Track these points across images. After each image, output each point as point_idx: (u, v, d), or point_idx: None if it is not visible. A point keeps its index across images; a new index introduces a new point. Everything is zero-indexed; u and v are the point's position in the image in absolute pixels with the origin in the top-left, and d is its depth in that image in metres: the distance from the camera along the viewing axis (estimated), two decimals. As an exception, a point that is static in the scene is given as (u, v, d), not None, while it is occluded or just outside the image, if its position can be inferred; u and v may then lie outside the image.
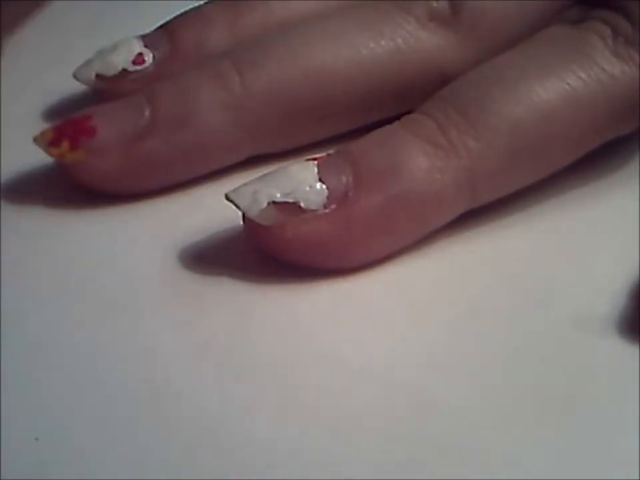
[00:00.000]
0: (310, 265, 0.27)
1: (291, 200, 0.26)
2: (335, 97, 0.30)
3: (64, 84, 0.33)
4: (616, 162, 0.30)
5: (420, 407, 0.24)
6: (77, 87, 0.32)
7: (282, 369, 0.25)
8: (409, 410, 0.24)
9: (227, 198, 0.27)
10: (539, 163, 0.28)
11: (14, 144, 0.31)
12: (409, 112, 0.28)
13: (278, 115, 0.30)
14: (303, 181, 0.26)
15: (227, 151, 0.30)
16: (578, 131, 0.28)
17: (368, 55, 0.30)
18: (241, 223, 0.27)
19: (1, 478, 0.23)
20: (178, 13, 0.33)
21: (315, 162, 0.27)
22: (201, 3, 0.33)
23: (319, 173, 0.26)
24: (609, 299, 0.26)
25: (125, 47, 0.32)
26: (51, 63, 0.35)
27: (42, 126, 0.30)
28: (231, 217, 0.27)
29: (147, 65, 0.31)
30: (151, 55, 0.32)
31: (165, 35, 0.32)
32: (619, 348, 0.25)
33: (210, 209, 0.29)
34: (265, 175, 0.27)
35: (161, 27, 0.32)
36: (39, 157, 0.29)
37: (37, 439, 0.24)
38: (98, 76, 0.31)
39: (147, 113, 0.29)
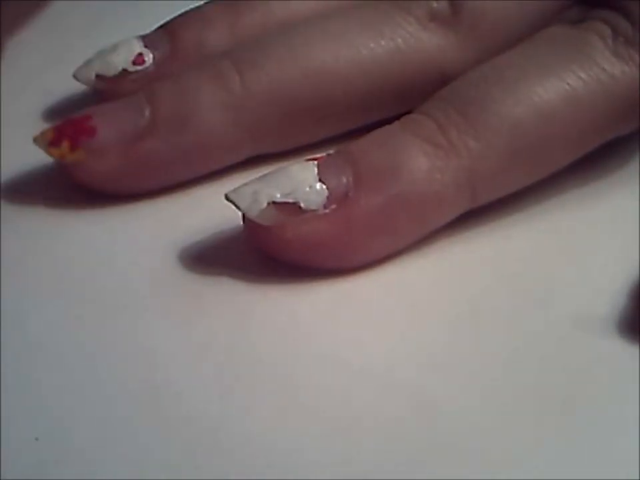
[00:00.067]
0: (310, 265, 0.27)
1: (291, 200, 0.26)
2: (334, 97, 0.30)
3: (64, 84, 0.33)
4: (616, 162, 0.30)
5: (420, 407, 0.24)
6: (77, 87, 0.32)
7: (282, 369, 0.25)
8: (408, 410, 0.24)
9: (227, 198, 0.27)
10: (539, 163, 0.28)
11: (14, 144, 0.31)
12: (408, 112, 0.28)
13: (278, 114, 0.30)
14: (302, 181, 0.26)
15: (227, 151, 0.30)
16: (578, 130, 0.28)
17: (368, 55, 0.30)
18: (241, 223, 0.27)
19: (1, 478, 0.23)
20: (178, 13, 0.33)
21: (315, 162, 0.27)
22: (201, 2, 0.33)
23: (319, 173, 0.26)
24: (609, 299, 0.26)
25: (125, 47, 0.32)
26: (51, 63, 0.35)
27: (42, 126, 0.30)
28: (231, 217, 0.27)
29: (147, 65, 0.31)
30: (151, 55, 0.32)
31: (165, 35, 0.32)
32: (619, 348, 0.25)
33: (210, 209, 0.29)
34: (265, 175, 0.27)
35: (161, 27, 0.32)
36: (38, 157, 0.29)
37: (37, 439, 0.24)
38: (98, 76, 0.31)
39: (147, 112, 0.29)
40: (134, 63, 0.31)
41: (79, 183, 0.30)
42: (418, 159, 0.27)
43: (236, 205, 0.27)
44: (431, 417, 0.24)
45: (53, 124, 0.30)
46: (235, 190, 0.27)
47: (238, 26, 0.32)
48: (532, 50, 0.28)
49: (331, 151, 0.28)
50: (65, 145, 0.29)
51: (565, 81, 0.27)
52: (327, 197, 0.26)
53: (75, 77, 0.32)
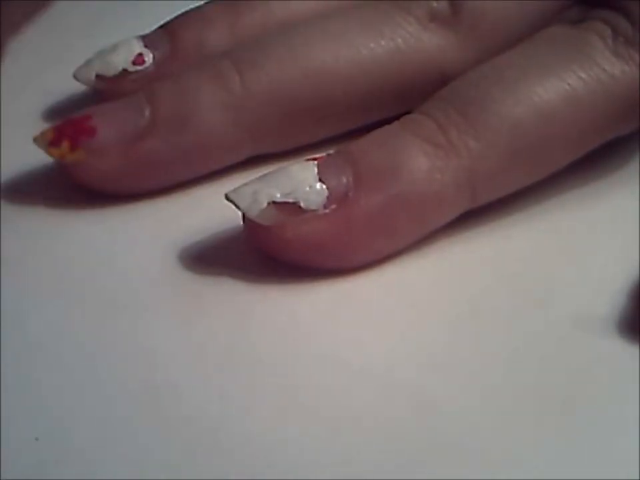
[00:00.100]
0: (310, 264, 0.27)
1: (291, 200, 0.26)
2: (335, 97, 0.30)
3: (64, 84, 0.33)
4: (616, 162, 0.30)
5: (420, 406, 0.24)
6: (77, 87, 0.32)
7: (282, 369, 0.25)
8: (409, 410, 0.24)
9: (227, 198, 0.27)
10: (539, 163, 0.28)
11: (14, 144, 0.31)
12: (408, 112, 0.28)
13: (278, 114, 0.30)
14: (302, 181, 0.26)
15: (227, 151, 0.30)
16: (578, 130, 0.28)
17: (368, 55, 0.30)
18: (241, 223, 0.27)
19: (1, 478, 0.23)
20: (178, 13, 0.33)
21: (315, 162, 0.27)
22: (201, 2, 0.33)
23: (319, 173, 0.26)
24: (609, 299, 0.26)
25: (125, 47, 0.32)
26: (51, 63, 0.35)
27: (42, 126, 0.30)
28: (231, 217, 0.27)
29: (147, 65, 0.31)
30: (151, 55, 0.32)
31: (165, 35, 0.32)
32: (619, 348, 0.25)
33: (210, 209, 0.29)
34: (264, 175, 0.27)
35: (161, 27, 0.32)
36: (39, 157, 0.29)
37: (37, 439, 0.24)
38: (98, 76, 0.31)
39: (147, 112, 0.29)
40: (134, 63, 0.31)
41: (79, 183, 0.30)
42: (418, 159, 0.27)
43: (236, 205, 0.27)
44: (431, 417, 0.24)
45: (53, 124, 0.30)
46: (234, 190, 0.27)
47: (238, 26, 0.32)
48: (532, 50, 0.28)
49: (331, 151, 0.28)
50: (65, 144, 0.29)
51: (565, 81, 0.27)
52: (327, 197, 0.26)
53: (75, 77, 0.32)
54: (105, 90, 0.32)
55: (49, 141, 0.29)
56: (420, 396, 0.24)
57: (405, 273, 0.27)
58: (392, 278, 0.27)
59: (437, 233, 0.28)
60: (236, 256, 0.28)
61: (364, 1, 0.31)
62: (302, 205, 0.26)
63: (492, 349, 0.25)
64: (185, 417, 0.24)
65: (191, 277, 0.27)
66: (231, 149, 0.30)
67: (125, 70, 0.31)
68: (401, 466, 0.23)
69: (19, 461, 0.23)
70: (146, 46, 0.32)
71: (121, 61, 0.31)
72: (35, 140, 0.29)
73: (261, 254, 0.27)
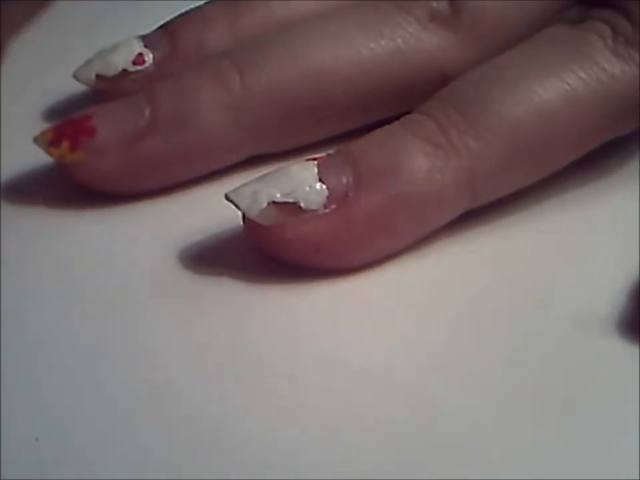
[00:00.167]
0: (310, 265, 0.27)
1: (291, 200, 0.26)
2: (335, 97, 0.30)
3: (64, 84, 0.33)
4: (616, 162, 0.30)
5: (420, 406, 0.24)
6: (77, 87, 0.32)
7: (282, 369, 0.25)
8: (409, 410, 0.24)
9: (227, 198, 0.27)
10: (539, 163, 0.28)
11: (14, 144, 0.31)
12: (408, 112, 0.28)
13: (278, 114, 0.30)
14: (303, 181, 0.26)
15: (227, 151, 0.30)
16: (578, 130, 0.28)
17: (368, 55, 0.30)
18: (241, 223, 0.27)
19: (1, 478, 0.23)
20: (178, 13, 0.33)
21: (315, 162, 0.27)
22: (201, 2, 0.33)
23: (319, 173, 0.26)
24: (609, 299, 0.26)
25: (125, 47, 0.32)
26: (51, 63, 0.35)
27: (42, 126, 0.30)
28: (231, 217, 0.27)
29: (147, 65, 0.31)
30: (151, 55, 0.32)
31: (165, 35, 0.32)
32: (619, 348, 0.25)
33: (210, 209, 0.29)
34: (264, 175, 0.27)
35: (161, 27, 0.32)
36: (39, 157, 0.29)
37: (37, 439, 0.24)
38: (98, 76, 0.31)
39: (147, 112, 0.29)
40: (134, 62, 0.31)
41: (79, 183, 0.30)
42: (418, 159, 0.27)
43: (236, 205, 0.27)
44: (431, 416, 0.24)
45: (53, 124, 0.30)
46: (235, 190, 0.27)
47: (238, 26, 0.32)
48: (532, 50, 0.28)
49: (331, 151, 0.28)
50: (65, 145, 0.29)
51: (565, 81, 0.27)
52: (327, 197, 0.26)
53: (75, 77, 0.32)
54: (105, 90, 0.32)
55: (48, 141, 0.29)
56: (420, 396, 0.24)
57: (405, 273, 0.27)
58: (392, 278, 0.27)
59: (437, 233, 0.28)
60: (236, 256, 0.28)
61: (364, 1, 0.31)
62: (302, 204, 0.26)
63: (492, 349, 0.25)
64: (185, 417, 0.24)
65: (191, 277, 0.27)
66: (231, 149, 0.30)
67: (124, 70, 0.31)
68: (401, 466, 0.23)
69: (18, 460, 0.23)
70: (146, 46, 0.32)
71: (120, 60, 0.31)
72: (35, 140, 0.29)
73: (261, 254, 0.27)
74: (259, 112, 0.29)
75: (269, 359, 0.25)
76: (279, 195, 0.26)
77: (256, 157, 0.30)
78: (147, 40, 0.32)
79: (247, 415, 0.24)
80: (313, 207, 0.26)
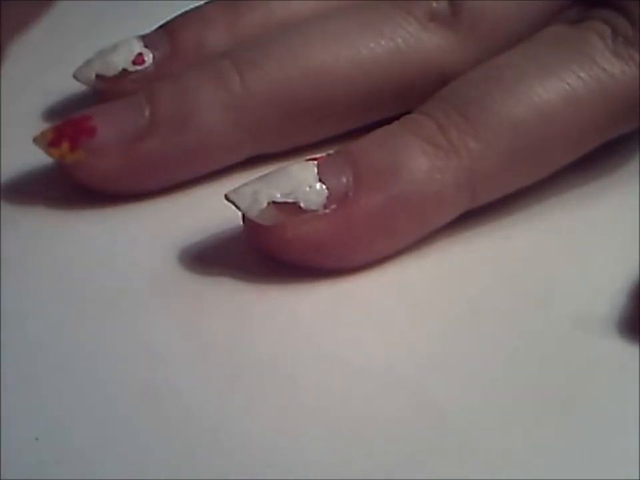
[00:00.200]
0: (310, 265, 0.27)
1: (291, 200, 0.26)
2: (335, 97, 0.30)
3: (64, 84, 0.33)
4: (616, 162, 0.30)
5: (420, 406, 0.24)
6: (77, 87, 0.32)
7: (282, 369, 0.25)
8: (408, 410, 0.24)
9: (227, 198, 0.27)
10: (539, 163, 0.28)
11: (14, 144, 0.31)
12: (408, 112, 0.28)
13: (278, 114, 0.30)
14: (303, 181, 0.26)
15: (227, 151, 0.30)
16: (578, 130, 0.28)
17: (368, 55, 0.30)
18: (241, 223, 0.27)
19: (1, 478, 0.23)
20: (178, 13, 0.33)
21: (315, 162, 0.27)
22: (201, 2, 0.33)
23: (318, 173, 0.26)
24: (609, 299, 0.26)
25: (125, 47, 0.32)
26: (51, 62, 0.35)
27: (42, 126, 0.30)
28: (231, 217, 0.27)
29: (147, 64, 0.31)
30: (151, 55, 0.32)
31: (165, 35, 0.32)
32: (619, 348, 0.25)
33: (210, 209, 0.28)
34: (265, 175, 0.27)
35: (161, 27, 0.32)
36: (39, 157, 0.29)
37: (37, 439, 0.24)
38: (98, 76, 0.31)
39: (146, 112, 0.29)
40: (134, 62, 0.31)
41: (79, 183, 0.30)
42: (418, 159, 0.27)
43: (236, 205, 0.27)
44: (431, 416, 0.24)
45: (53, 124, 0.30)
46: (235, 190, 0.27)
47: (238, 26, 0.32)
48: (532, 50, 0.28)
49: (331, 151, 0.28)
50: (65, 145, 0.29)
51: (565, 81, 0.27)
52: (327, 197, 0.26)
53: (75, 77, 0.32)
54: (105, 90, 0.31)
55: (48, 141, 0.29)
56: (420, 396, 0.24)
57: (405, 273, 0.27)
58: (392, 278, 0.27)
59: (437, 233, 0.28)
60: (236, 256, 0.28)
61: (364, 1, 0.31)
62: (302, 205, 0.26)
63: (492, 349, 0.25)
64: (185, 417, 0.24)
65: (191, 277, 0.27)
66: (231, 149, 0.30)
67: (124, 70, 0.31)
68: (401, 466, 0.23)
69: (19, 460, 0.23)
70: (146, 46, 0.32)
71: (120, 60, 0.31)
72: (35, 140, 0.29)
73: (261, 254, 0.27)
74: (259, 112, 0.29)
75: (269, 359, 0.25)
76: (278, 195, 0.26)
77: (256, 157, 0.30)
78: (146, 40, 0.32)
79: (247, 415, 0.24)
80: (313, 207, 0.26)
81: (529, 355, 0.25)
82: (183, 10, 0.33)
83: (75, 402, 0.25)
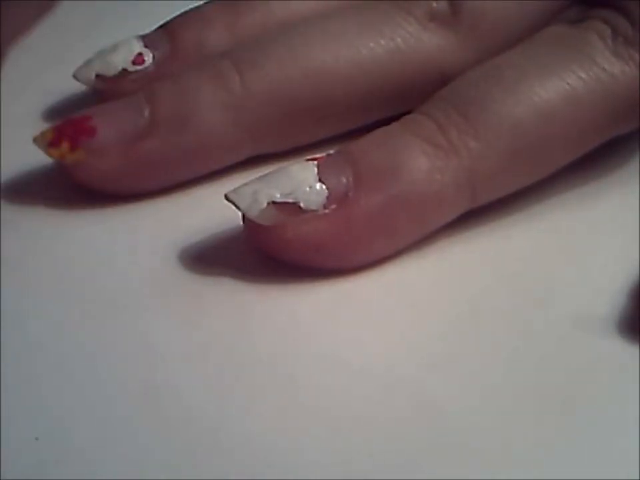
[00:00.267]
0: (310, 265, 0.27)
1: (291, 200, 0.26)
2: (335, 97, 0.30)
3: (64, 84, 0.33)
4: (616, 162, 0.30)
5: (420, 406, 0.24)
6: (77, 87, 0.32)
7: (282, 369, 0.25)
8: (409, 410, 0.24)
9: (227, 198, 0.27)
10: (539, 163, 0.28)
11: (14, 144, 0.31)
12: (408, 112, 0.28)
13: (278, 114, 0.30)
14: (303, 181, 0.26)
15: (227, 151, 0.30)
16: (578, 130, 0.28)
17: (368, 55, 0.30)
18: (241, 223, 0.27)
19: (1, 478, 0.23)
20: (178, 13, 0.33)
21: (315, 162, 0.27)
22: (201, 2, 0.33)
23: (318, 173, 0.26)
24: (609, 299, 0.26)
25: (125, 47, 0.32)
26: (51, 63, 0.35)
27: (42, 126, 0.30)
28: (231, 217, 0.27)
29: (147, 65, 0.31)
30: (151, 55, 0.32)
31: (165, 35, 0.32)
32: (619, 348, 0.25)
33: (210, 209, 0.28)
34: (265, 175, 0.27)
35: (161, 26, 0.32)
36: (38, 157, 0.29)
37: (37, 439, 0.24)
38: (98, 76, 0.31)
39: (146, 112, 0.29)
40: (134, 62, 0.31)
41: (79, 183, 0.30)
42: (418, 159, 0.27)
43: (236, 205, 0.27)
44: (431, 416, 0.24)
45: (53, 124, 0.30)
46: (235, 190, 0.27)
47: (238, 26, 0.32)
48: (532, 50, 0.28)
49: (331, 151, 0.28)
50: (65, 145, 0.29)
51: (565, 81, 0.27)
52: (327, 197, 0.26)
53: (74, 77, 0.32)
54: (105, 90, 0.31)
55: (48, 141, 0.29)
56: (420, 396, 0.24)
57: (405, 273, 0.27)
58: (392, 278, 0.27)
59: (437, 233, 0.28)
60: (236, 256, 0.28)
61: (364, 1, 0.31)
62: (302, 205, 0.26)
63: (492, 348, 0.25)
64: (185, 417, 0.24)
65: (191, 277, 0.27)
66: (231, 149, 0.30)
67: (124, 70, 0.31)
68: (401, 466, 0.23)
69: (19, 460, 0.23)
70: (146, 46, 0.32)
71: (120, 60, 0.31)
72: (35, 140, 0.29)
73: (261, 254, 0.27)
74: (259, 112, 0.29)
75: (269, 359, 0.25)
76: (278, 195, 0.26)
77: (256, 157, 0.30)
78: (146, 40, 0.32)
79: (247, 415, 0.24)
80: (313, 207, 0.26)
81: (528, 354, 0.25)
82: (182, 10, 0.33)
83: (75, 402, 0.25)
